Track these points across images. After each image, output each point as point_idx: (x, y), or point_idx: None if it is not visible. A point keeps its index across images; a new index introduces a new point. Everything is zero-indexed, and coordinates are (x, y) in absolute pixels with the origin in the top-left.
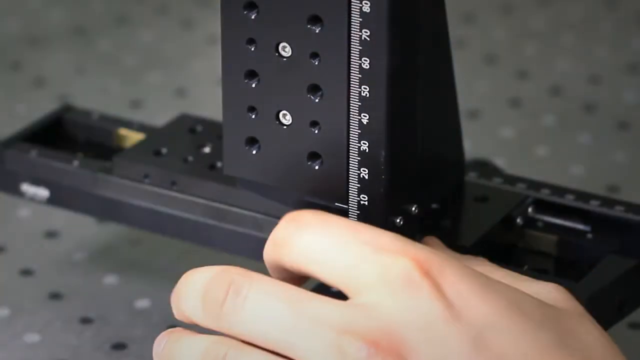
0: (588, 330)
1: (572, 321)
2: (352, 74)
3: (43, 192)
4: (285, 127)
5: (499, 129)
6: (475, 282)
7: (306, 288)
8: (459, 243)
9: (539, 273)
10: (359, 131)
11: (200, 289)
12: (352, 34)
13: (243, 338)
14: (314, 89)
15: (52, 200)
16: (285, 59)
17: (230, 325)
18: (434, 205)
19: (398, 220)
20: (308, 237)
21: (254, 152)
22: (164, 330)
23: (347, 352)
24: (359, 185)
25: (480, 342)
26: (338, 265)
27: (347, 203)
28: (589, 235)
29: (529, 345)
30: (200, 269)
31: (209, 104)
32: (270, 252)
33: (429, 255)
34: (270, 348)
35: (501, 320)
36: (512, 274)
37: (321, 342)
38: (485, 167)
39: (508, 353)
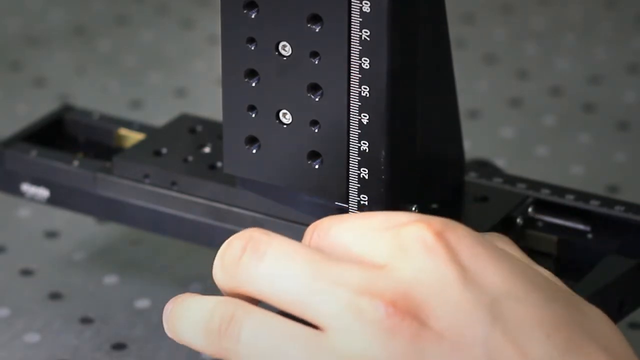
0: (597, 315)
1: (582, 305)
2: (352, 74)
3: (43, 192)
4: (285, 126)
5: (499, 129)
6: (491, 251)
7: None
8: None
9: None
10: (359, 131)
11: (220, 251)
12: (352, 34)
13: (257, 296)
14: (314, 88)
15: (52, 200)
16: (285, 58)
17: (245, 282)
18: (434, 205)
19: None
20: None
21: (254, 151)
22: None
23: (365, 311)
24: (359, 185)
25: (496, 309)
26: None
27: (347, 202)
28: (589, 235)
29: (544, 315)
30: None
31: (209, 104)
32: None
33: (443, 222)
34: (284, 308)
35: (516, 288)
36: (528, 257)
37: (338, 302)
38: (485, 167)
39: (524, 321)
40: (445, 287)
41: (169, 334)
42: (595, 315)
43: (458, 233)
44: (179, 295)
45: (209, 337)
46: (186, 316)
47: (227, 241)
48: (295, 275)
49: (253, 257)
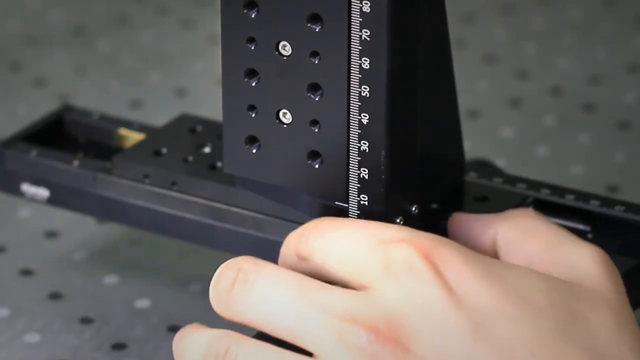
0: (601, 316)
1: (583, 306)
2: (352, 74)
3: (43, 192)
4: (285, 125)
5: (499, 129)
6: (478, 268)
7: None
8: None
9: None
10: (359, 131)
11: (212, 281)
12: (352, 34)
13: (250, 324)
14: (314, 87)
15: (52, 200)
16: (285, 58)
17: (238, 313)
18: (434, 205)
19: (398, 220)
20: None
21: (254, 150)
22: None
23: (348, 339)
24: (359, 185)
25: (481, 329)
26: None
27: (347, 202)
28: (589, 235)
29: (531, 334)
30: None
31: (209, 104)
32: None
33: (430, 241)
34: (276, 335)
35: (503, 307)
36: (562, 232)
37: (323, 329)
38: (485, 167)
39: (509, 341)
40: (429, 310)
41: None
42: (596, 318)
43: (445, 254)
44: (187, 326)
45: None
46: (187, 347)
47: (217, 272)
48: (283, 303)
49: (243, 288)
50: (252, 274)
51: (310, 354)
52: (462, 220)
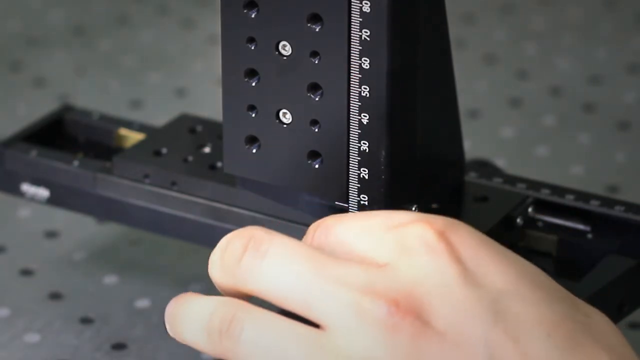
0: (598, 316)
1: (583, 305)
2: (352, 73)
3: (43, 192)
4: (285, 125)
5: (499, 129)
6: (492, 249)
7: None
8: None
9: None
10: (359, 131)
11: (217, 248)
12: (352, 34)
13: (259, 295)
14: (314, 87)
15: (52, 200)
16: (285, 58)
17: (247, 281)
18: (434, 205)
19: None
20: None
21: (254, 150)
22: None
23: (367, 311)
24: (359, 185)
25: (497, 307)
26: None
27: (347, 201)
28: (589, 235)
29: (545, 314)
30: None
31: (209, 104)
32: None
33: (443, 222)
34: (286, 307)
35: (518, 287)
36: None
37: (340, 301)
38: (485, 167)
39: (526, 320)
40: (446, 286)
41: (171, 334)
42: (597, 317)
43: (460, 232)
44: (181, 295)
45: (210, 338)
46: (188, 317)
47: (226, 239)
48: (297, 274)
49: (255, 256)
50: (265, 243)
51: (317, 327)
52: None
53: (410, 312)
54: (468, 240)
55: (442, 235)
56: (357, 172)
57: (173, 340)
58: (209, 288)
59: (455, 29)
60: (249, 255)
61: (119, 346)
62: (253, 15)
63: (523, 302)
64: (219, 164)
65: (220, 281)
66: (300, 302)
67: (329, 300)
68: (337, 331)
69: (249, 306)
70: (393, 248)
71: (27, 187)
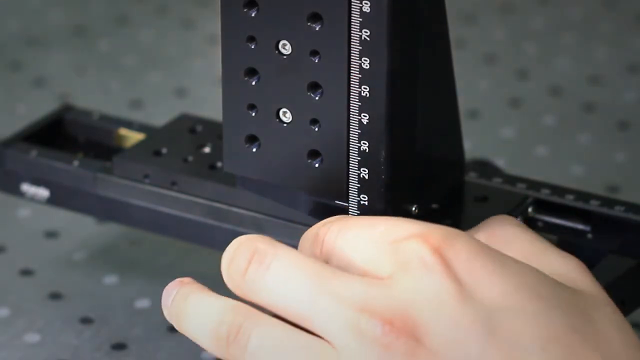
0: (605, 315)
1: (588, 305)
2: (352, 73)
3: (43, 192)
4: (285, 124)
5: (499, 129)
6: (488, 261)
7: None
8: None
9: None
10: (359, 131)
11: (225, 256)
12: (352, 34)
13: (263, 306)
14: (314, 86)
15: (52, 200)
16: (285, 57)
17: (251, 293)
18: (434, 205)
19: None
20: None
21: (254, 149)
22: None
23: (364, 330)
24: (359, 185)
25: (492, 324)
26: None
27: (346, 201)
28: (589, 235)
29: (542, 328)
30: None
31: (209, 104)
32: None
33: (440, 235)
34: (289, 319)
35: (514, 301)
36: (540, 239)
37: (339, 318)
38: (485, 167)
39: (520, 335)
40: (441, 304)
41: (169, 320)
42: (603, 317)
43: (457, 246)
44: (183, 283)
45: (216, 342)
46: (194, 315)
47: (231, 250)
48: (299, 288)
49: (259, 269)
50: (269, 256)
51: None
52: None
53: (404, 331)
54: (465, 254)
55: (437, 252)
56: (357, 172)
57: (173, 340)
58: (209, 288)
59: (455, 29)
60: (253, 268)
61: (119, 346)
62: (253, 14)
63: (519, 315)
64: (219, 164)
65: (231, 289)
66: (302, 315)
67: (329, 316)
68: (337, 345)
69: (258, 315)
70: (391, 263)
71: (27, 187)
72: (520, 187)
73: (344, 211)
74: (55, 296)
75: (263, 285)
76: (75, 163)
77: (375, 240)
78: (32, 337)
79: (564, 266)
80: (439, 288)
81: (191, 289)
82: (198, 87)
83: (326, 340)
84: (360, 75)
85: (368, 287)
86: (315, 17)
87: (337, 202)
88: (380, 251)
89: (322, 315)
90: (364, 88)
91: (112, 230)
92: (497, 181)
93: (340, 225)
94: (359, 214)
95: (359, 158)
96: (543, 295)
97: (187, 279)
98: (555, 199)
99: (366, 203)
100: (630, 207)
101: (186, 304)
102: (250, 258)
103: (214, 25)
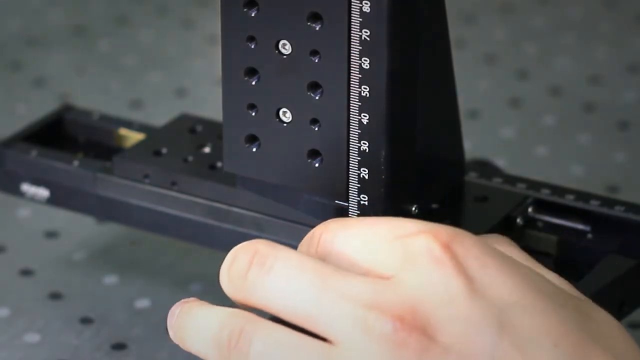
0: (605, 318)
1: (590, 309)
2: (352, 74)
3: (43, 192)
4: (285, 124)
5: (499, 129)
6: (497, 259)
7: None
8: None
9: None
10: (359, 131)
11: (225, 262)
12: (352, 34)
13: (265, 309)
14: (314, 86)
15: (52, 200)
16: (285, 57)
17: (253, 296)
18: (434, 205)
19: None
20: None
21: (254, 149)
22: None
23: (373, 327)
24: (359, 185)
25: (503, 319)
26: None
27: (346, 200)
28: (589, 235)
29: (553, 325)
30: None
31: (209, 104)
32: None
33: (448, 232)
34: (293, 321)
35: (524, 298)
36: (532, 258)
37: (346, 317)
38: (485, 167)
39: (532, 332)
40: (452, 299)
41: (175, 341)
42: (604, 320)
43: (465, 244)
44: (186, 301)
45: (218, 351)
46: (195, 327)
47: (232, 253)
48: (302, 289)
49: (260, 271)
50: (270, 258)
51: (325, 340)
52: None
53: (416, 327)
54: (473, 251)
55: (447, 247)
56: (357, 172)
57: (173, 340)
58: (209, 288)
59: (455, 29)
60: (254, 271)
61: (119, 346)
62: (253, 14)
63: (530, 312)
64: (219, 164)
65: (230, 294)
66: (306, 316)
67: (334, 316)
68: (344, 346)
69: (258, 319)
70: (398, 259)
71: (27, 187)
72: (520, 187)
73: (344, 211)
74: (55, 296)
75: (265, 288)
76: (75, 163)
77: (378, 238)
78: (32, 337)
79: (556, 279)
80: (450, 283)
81: (192, 305)
82: (198, 87)
83: (331, 341)
84: (360, 75)
85: (374, 284)
86: (315, 17)
87: (337, 202)
88: (383, 249)
89: (327, 315)
90: (364, 88)
91: (112, 230)
92: (497, 181)
93: (339, 224)
94: (359, 214)
95: (359, 158)
96: (550, 295)
97: (190, 299)
98: (555, 199)
99: (366, 203)
100: (630, 207)
101: (188, 319)
102: (250, 261)
103: (214, 25)
